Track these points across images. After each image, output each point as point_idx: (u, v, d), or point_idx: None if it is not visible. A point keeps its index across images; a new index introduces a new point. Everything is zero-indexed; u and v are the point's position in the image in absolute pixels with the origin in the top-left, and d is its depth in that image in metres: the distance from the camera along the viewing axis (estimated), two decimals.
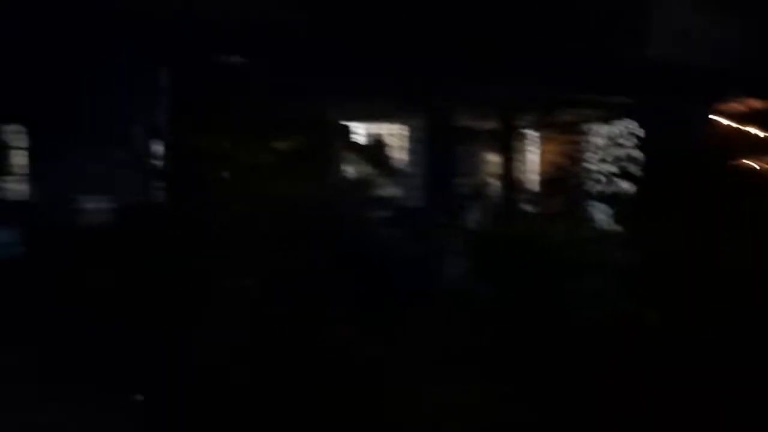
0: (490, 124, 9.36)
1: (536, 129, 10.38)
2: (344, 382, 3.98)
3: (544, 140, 10.53)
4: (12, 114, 10.07)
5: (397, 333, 4.30)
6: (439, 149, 8.98)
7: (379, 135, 10.19)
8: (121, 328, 5.07)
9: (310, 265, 4.46)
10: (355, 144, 9.75)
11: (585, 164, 9.44)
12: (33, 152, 10.64)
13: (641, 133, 8.80)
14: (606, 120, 9.45)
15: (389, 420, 3.86)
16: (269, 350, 4.07)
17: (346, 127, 10.48)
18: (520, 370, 4.05)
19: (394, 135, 10.57)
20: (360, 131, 10.59)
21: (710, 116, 7.09)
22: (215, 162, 4.47)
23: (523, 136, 10.03)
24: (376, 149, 9.62)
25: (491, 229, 7.29)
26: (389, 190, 9.33)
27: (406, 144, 10.28)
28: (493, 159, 9.92)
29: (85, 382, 5.36)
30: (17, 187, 10.88)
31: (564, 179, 9.28)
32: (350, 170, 9.08)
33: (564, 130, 9.87)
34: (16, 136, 10.72)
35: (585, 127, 9.76)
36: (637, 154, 8.50)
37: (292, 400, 3.94)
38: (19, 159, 10.85)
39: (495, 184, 9.58)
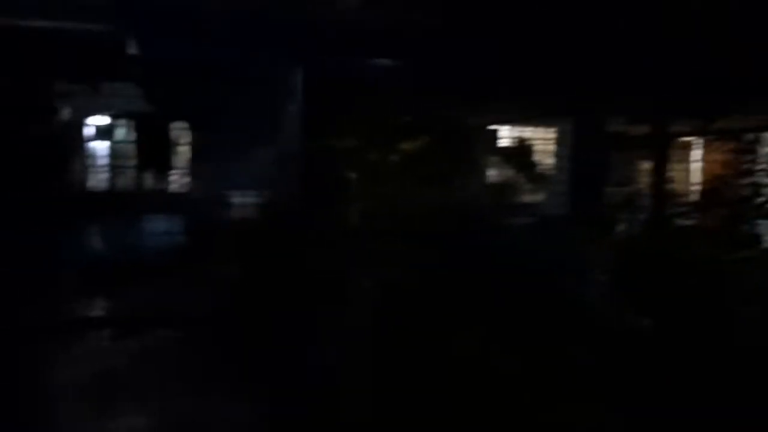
0: (644, 129, 8.80)
1: (697, 136, 9.63)
2: (470, 394, 3.85)
3: (705, 148, 9.75)
4: (176, 113, 10.89)
5: (530, 346, 4.12)
6: (588, 154, 8.57)
7: (525, 138, 9.90)
8: (256, 320, 5.25)
9: (441, 271, 4.38)
10: (500, 147, 9.54)
11: (751, 176, 8.61)
12: (193, 149, 11.46)
13: None
14: None
15: None
16: (393, 356, 4.02)
17: (491, 130, 10.29)
18: (667, 397, 3.73)
19: (541, 138, 10.26)
20: (506, 134, 10.37)
21: None
22: (349, 163, 4.50)
23: (681, 144, 9.33)
24: (521, 153, 9.35)
25: (643, 243, 6.82)
26: (533, 196, 9.02)
27: (553, 148, 9.93)
28: (648, 167, 9.32)
29: (220, 371, 5.64)
30: (179, 181, 11.77)
31: (727, 191, 8.52)
32: (493, 174, 8.89)
33: (728, 138, 9.08)
34: (180, 134, 11.59)
35: (752, 135, 8.91)
36: None
37: (413, 408, 3.87)
38: (181, 155, 11.74)
39: (649, 194, 8.99)
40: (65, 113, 9.53)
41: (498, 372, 3.81)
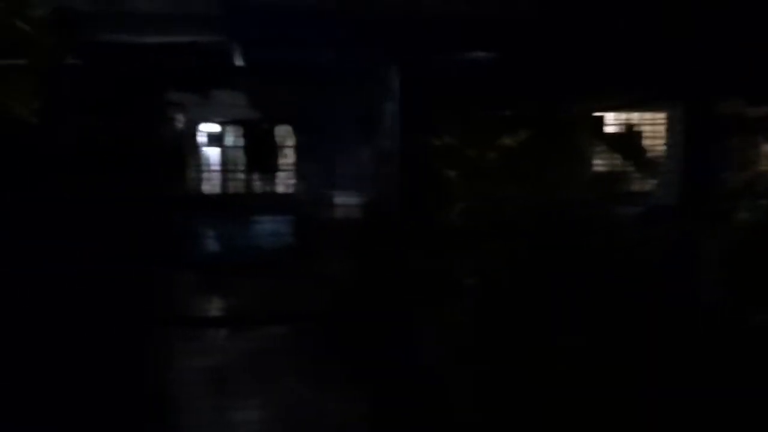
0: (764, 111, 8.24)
1: None
2: (575, 393, 3.76)
3: None
4: (281, 117, 11.26)
5: (640, 345, 3.96)
6: (702, 139, 8.11)
7: (633, 124, 9.51)
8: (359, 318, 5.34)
9: (546, 267, 4.28)
10: (606, 135, 9.20)
11: None
12: (298, 151, 11.83)
13: None
14: None
15: None
16: (496, 354, 3.98)
17: (597, 117, 9.94)
18: None
19: (650, 124, 9.82)
20: (612, 121, 9.99)
21: None
22: (451, 161, 4.48)
23: None
24: (628, 140, 8.98)
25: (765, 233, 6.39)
26: (644, 184, 8.65)
27: (663, 134, 9.48)
28: None
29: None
30: (285, 182, 12.17)
31: None
32: (600, 163, 8.59)
33: None
34: (286, 137, 11.99)
35: None
36: None
37: (515, 406, 3.82)
38: (287, 157, 12.14)
39: None
40: (180, 121, 10.06)
41: (606, 371, 3.70)
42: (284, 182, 12.05)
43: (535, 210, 4.45)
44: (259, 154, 11.61)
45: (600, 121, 9.91)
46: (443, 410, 4.16)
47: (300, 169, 11.28)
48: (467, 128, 4.51)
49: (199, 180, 12.00)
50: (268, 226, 11.33)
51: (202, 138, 11.91)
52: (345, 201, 7.38)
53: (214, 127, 11.87)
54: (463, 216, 4.31)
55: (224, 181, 12.12)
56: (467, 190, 4.36)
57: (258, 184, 12.06)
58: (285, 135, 11.93)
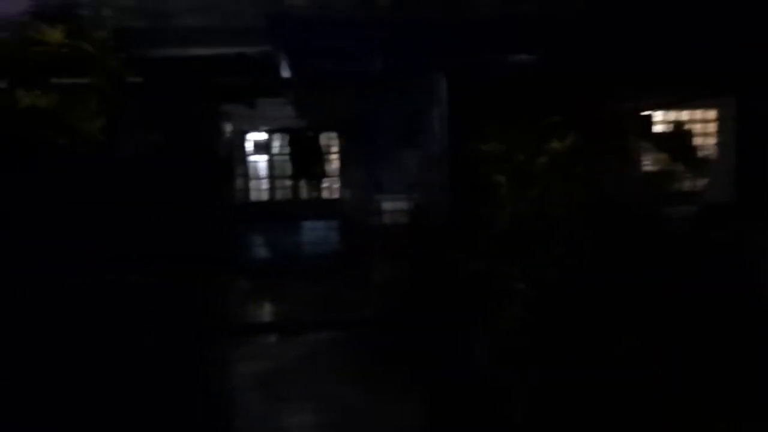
0: None
1: None
2: (630, 396, 3.74)
3: None
4: (327, 125, 11.40)
5: (696, 347, 3.91)
6: (756, 136, 7.91)
7: (683, 122, 9.34)
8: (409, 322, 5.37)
9: (596, 271, 4.26)
10: (655, 134, 9.06)
11: None
12: (342, 156, 11.95)
13: None
14: None
15: None
16: (547, 357, 3.98)
17: (646, 116, 9.79)
18: None
19: (701, 121, 9.63)
20: (661, 119, 9.83)
21: None
22: (497, 165, 4.49)
23: None
24: (678, 139, 8.82)
25: None
26: (695, 184, 8.49)
27: (714, 131, 9.28)
28: None
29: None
30: (331, 187, 12.32)
31: None
32: (649, 163, 8.47)
33: None
34: (330, 143, 12.13)
35: None
36: None
37: (566, 409, 3.81)
38: (332, 163, 12.28)
39: None
40: (227, 131, 10.26)
41: (660, 374, 3.67)
42: (332, 189, 12.23)
43: (585, 213, 4.43)
44: (306, 161, 11.78)
45: (648, 120, 9.77)
46: (495, 415, 4.17)
47: (349, 175, 11.40)
48: (514, 133, 4.52)
49: (248, 187, 12.25)
50: (320, 233, 11.52)
51: (249, 146, 12.16)
52: (395, 207, 7.45)
53: (262, 136, 12.11)
54: (513, 221, 4.32)
55: (273, 188, 12.35)
56: (516, 194, 4.37)
57: (308, 192, 12.25)
58: (332, 142, 12.10)
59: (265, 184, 12.33)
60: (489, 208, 4.42)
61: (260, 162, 12.33)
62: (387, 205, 7.89)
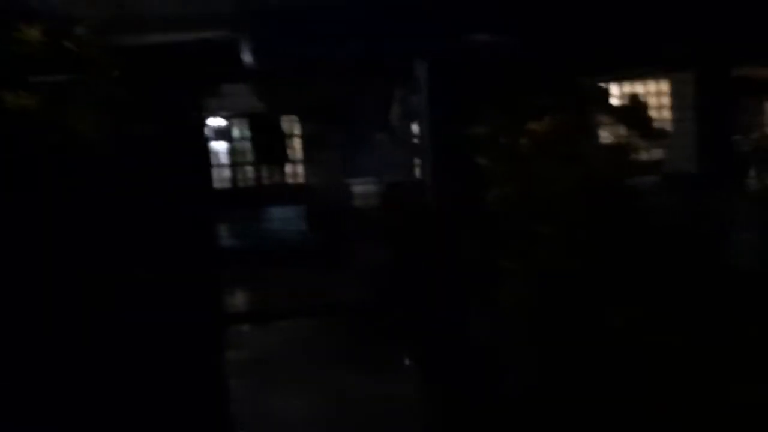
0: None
1: None
2: (626, 368, 3.87)
3: None
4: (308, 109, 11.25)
5: (680, 315, 4.07)
6: (712, 104, 8.15)
7: (637, 94, 9.55)
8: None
9: (583, 244, 4.37)
10: (612, 107, 9.24)
11: None
12: (309, 140, 11.85)
13: None
14: None
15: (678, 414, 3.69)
16: (544, 336, 4.09)
17: (602, 89, 9.96)
18: None
19: (653, 93, 9.85)
20: (614, 92, 10.03)
21: None
22: (481, 148, 4.55)
23: None
24: (634, 110, 9.01)
25: None
26: (654, 154, 8.71)
27: (668, 101, 9.51)
28: None
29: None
30: (298, 172, 12.23)
31: None
32: (608, 136, 8.63)
33: None
34: (293, 126, 12.04)
35: None
36: None
37: (566, 386, 3.93)
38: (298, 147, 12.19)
39: None
40: (193, 116, 10.07)
41: (653, 344, 3.82)
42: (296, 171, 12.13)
43: (567, 191, 4.53)
44: (269, 146, 11.65)
45: (606, 92, 9.93)
46: (491, 395, 4.27)
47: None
48: (496, 115, 4.59)
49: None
50: (287, 219, 11.42)
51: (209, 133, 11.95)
52: (367, 191, 7.48)
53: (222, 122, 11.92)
54: (499, 201, 4.40)
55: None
56: (501, 176, 4.45)
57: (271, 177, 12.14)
58: (294, 126, 11.97)
59: (227, 172, 12.20)
60: (475, 191, 4.49)
61: (221, 149, 12.18)
62: (358, 189, 7.93)
